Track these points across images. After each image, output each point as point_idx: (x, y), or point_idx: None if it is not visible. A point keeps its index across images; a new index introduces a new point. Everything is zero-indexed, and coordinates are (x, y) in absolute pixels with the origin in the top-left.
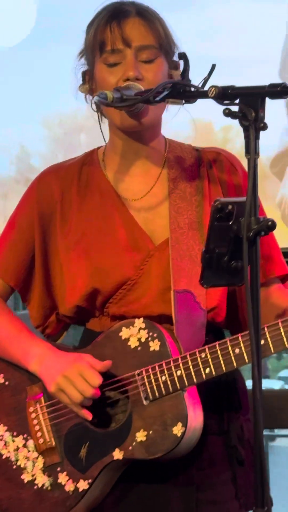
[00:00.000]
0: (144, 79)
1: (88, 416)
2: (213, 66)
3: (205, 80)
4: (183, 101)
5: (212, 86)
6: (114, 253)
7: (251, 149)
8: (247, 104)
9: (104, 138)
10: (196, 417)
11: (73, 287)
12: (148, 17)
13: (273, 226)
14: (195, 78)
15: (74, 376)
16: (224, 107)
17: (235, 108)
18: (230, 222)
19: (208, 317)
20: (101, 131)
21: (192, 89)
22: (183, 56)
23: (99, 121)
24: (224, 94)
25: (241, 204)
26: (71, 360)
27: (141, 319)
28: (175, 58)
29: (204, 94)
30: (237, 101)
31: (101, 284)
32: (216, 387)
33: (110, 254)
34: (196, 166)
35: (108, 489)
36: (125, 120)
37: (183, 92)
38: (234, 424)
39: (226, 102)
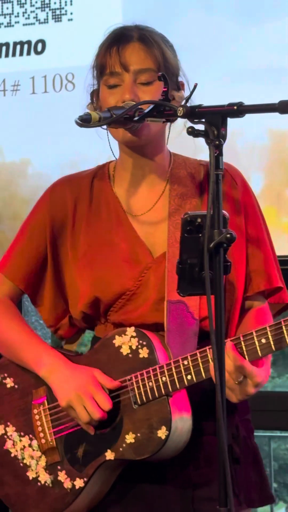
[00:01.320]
0: (142, 100)
1: (91, 431)
2: (195, 85)
3: (187, 99)
4: (163, 120)
5: (180, 106)
6: (115, 265)
7: (211, 165)
8: (211, 123)
9: (113, 153)
10: (182, 421)
11: (79, 295)
12: (148, 42)
13: (231, 238)
14: None
15: (86, 397)
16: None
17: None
18: (200, 234)
19: (201, 325)
20: (110, 147)
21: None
22: (162, 76)
23: (107, 137)
24: (192, 113)
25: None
26: (85, 379)
27: (132, 328)
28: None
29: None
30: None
31: (102, 294)
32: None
33: (111, 265)
34: (198, 181)
35: (106, 487)
36: (125, 136)
37: (163, 111)
38: (229, 424)
39: (195, 120)
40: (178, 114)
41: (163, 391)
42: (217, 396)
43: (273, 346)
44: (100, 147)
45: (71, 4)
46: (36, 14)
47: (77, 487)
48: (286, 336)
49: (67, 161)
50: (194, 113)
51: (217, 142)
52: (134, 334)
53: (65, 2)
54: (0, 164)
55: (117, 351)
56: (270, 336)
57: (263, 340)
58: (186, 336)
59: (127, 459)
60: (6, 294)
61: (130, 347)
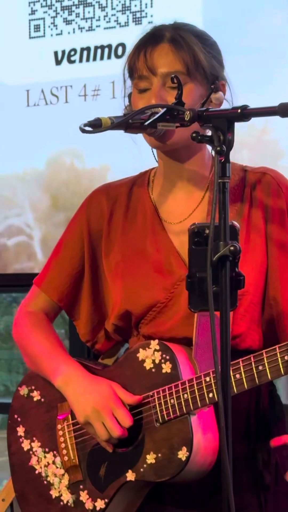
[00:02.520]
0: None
1: (110, 449)
2: (212, 88)
3: (203, 103)
4: (176, 125)
5: (188, 110)
6: (146, 276)
7: (215, 172)
8: (217, 128)
9: (155, 158)
10: (206, 441)
11: (112, 306)
12: (178, 42)
13: (235, 250)
14: None
15: (106, 413)
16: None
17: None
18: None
19: (231, 342)
20: (153, 153)
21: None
22: (176, 78)
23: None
24: (199, 117)
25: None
26: (104, 393)
27: (156, 340)
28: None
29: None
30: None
31: (132, 306)
32: (246, 411)
33: (143, 277)
34: (240, 188)
35: (132, 509)
36: (153, 142)
37: (177, 115)
38: (260, 449)
39: (204, 124)
40: (186, 119)
41: (184, 409)
42: (221, 419)
43: None
44: None
45: (151, 6)
46: (117, 18)
47: (98, 508)
48: None
49: (146, 167)
50: (201, 117)
51: (218, 148)
52: (158, 347)
53: (145, 4)
54: (81, 170)
55: (140, 365)
56: None
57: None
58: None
59: (148, 481)
60: (41, 307)
61: (153, 361)
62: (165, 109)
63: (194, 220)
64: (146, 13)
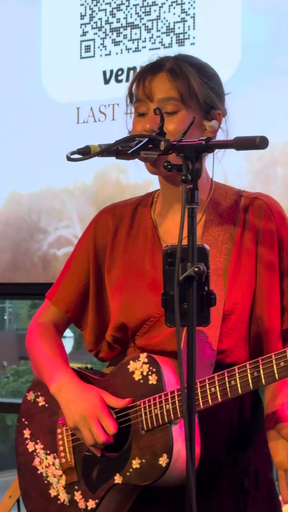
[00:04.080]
0: (166, 130)
1: (98, 454)
2: (194, 118)
3: (184, 133)
4: (157, 153)
5: (162, 140)
6: (141, 292)
7: (183, 199)
8: (188, 157)
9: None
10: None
11: (111, 319)
12: (175, 72)
13: (199, 271)
14: None
15: (92, 420)
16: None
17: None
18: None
19: (217, 357)
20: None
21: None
22: (158, 110)
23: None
24: (173, 147)
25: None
26: (92, 401)
27: (145, 354)
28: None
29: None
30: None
31: (128, 319)
32: (229, 421)
33: (138, 292)
34: (234, 212)
35: (122, 510)
36: (148, 167)
37: (157, 144)
38: (241, 458)
39: (179, 154)
40: (161, 148)
41: (166, 419)
42: (185, 432)
43: None
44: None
45: (193, 29)
46: (162, 39)
47: (89, 508)
48: None
49: None
50: (175, 147)
51: (183, 177)
52: (146, 360)
53: (188, 26)
54: (125, 184)
55: (130, 376)
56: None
57: (282, 363)
58: (201, 365)
59: (133, 484)
60: (51, 319)
61: (142, 373)
62: (146, 139)
63: None
64: (188, 35)
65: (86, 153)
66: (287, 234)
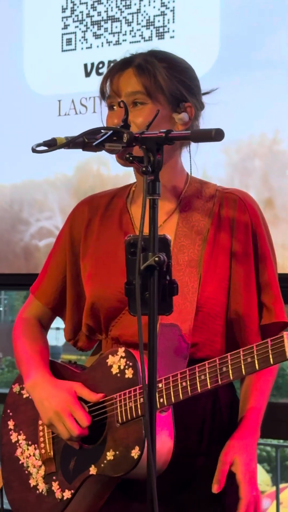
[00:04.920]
0: (132, 123)
1: (76, 446)
2: (158, 111)
3: (148, 125)
4: (121, 146)
5: (126, 132)
6: (115, 280)
7: (144, 189)
8: (149, 149)
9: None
10: (159, 442)
11: (85, 307)
12: (142, 67)
13: (159, 261)
14: None
15: (65, 415)
16: None
17: None
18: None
19: (191, 350)
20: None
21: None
22: (122, 102)
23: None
24: (136, 139)
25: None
26: (64, 396)
27: (123, 348)
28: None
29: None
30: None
31: (100, 306)
32: (201, 411)
33: (111, 280)
34: (209, 206)
35: (100, 501)
36: (117, 159)
37: (121, 136)
38: (215, 446)
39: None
40: (124, 140)
41: (139, 412)
42: (145, 433)
43: (257, 366)
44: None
45: (173, 22)
46: (142, 33)
47: (65, 498)
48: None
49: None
50: (137, 139)
51: (144, 169)
52: (124, 354)
53: (168, 20)
54: (106, 176)
55: (108, 370)
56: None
57: (249, 359)
58: (175, 359)
59: (108, 476)
60: (34, 314)
61: (119, 367)
62: (111, 131)
63: (163, 231)
64: (168, 28)
65: (52, 145)
66: (261, 228)
